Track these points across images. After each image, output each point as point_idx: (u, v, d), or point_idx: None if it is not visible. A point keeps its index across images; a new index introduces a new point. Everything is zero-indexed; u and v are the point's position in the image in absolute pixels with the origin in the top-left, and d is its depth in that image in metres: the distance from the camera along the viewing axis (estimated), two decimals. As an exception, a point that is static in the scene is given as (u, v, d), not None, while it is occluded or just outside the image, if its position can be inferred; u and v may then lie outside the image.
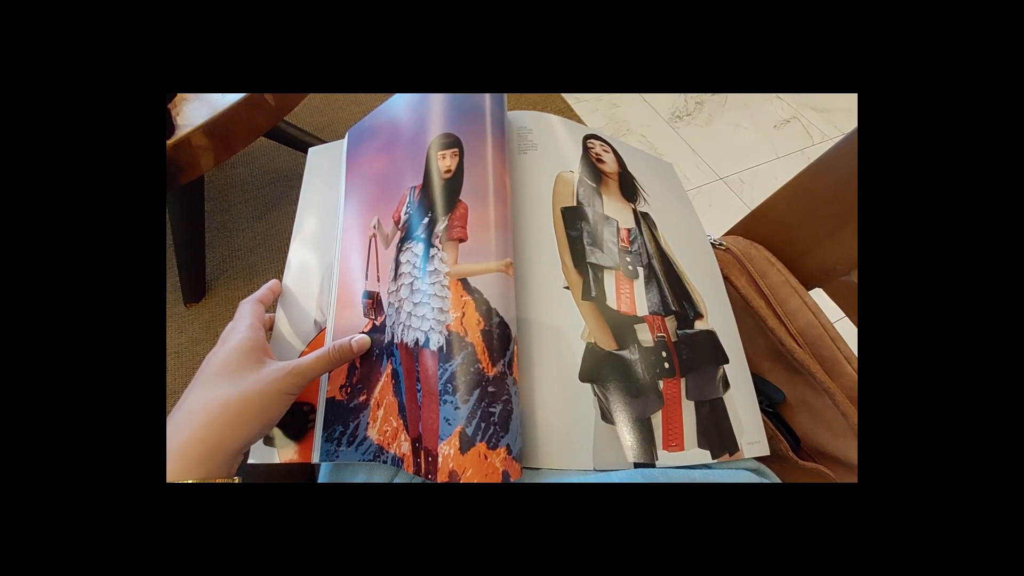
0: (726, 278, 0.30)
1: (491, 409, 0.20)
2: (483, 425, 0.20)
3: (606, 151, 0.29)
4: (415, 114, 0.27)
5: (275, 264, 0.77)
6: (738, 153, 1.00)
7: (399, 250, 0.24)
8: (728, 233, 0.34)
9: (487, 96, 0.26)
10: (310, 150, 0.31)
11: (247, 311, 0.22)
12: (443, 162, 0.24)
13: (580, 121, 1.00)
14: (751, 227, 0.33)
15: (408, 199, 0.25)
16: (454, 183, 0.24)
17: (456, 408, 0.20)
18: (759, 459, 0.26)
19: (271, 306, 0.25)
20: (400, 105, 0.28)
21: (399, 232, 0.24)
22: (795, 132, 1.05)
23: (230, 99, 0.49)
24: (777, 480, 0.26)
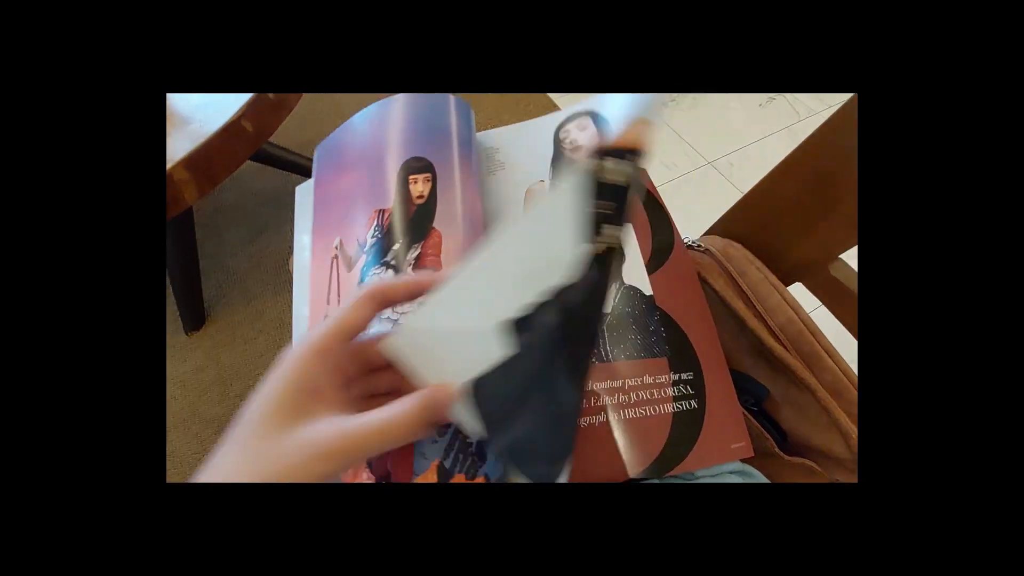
0: (703, 280, 0.30)
1: (468, 440, 0.20)
2: (460, 456, 0.20)
3: (583, 128, 0.28)
4: (379, 133, 0.26)
5: (271, 286, 0.77)
6: (725, 135, 0.99)
7: (363, 275, 0.23)
8: (707, 233, 0.35)
9: (454, 116, 0.26)
10: (297, 189, 0.31)
11: (340, 314, 0.14)
12: (415, 187, 0.24)
13: (563, 115, 0.99)
14: (729, 226, 0.33)
15: (376, 222, 0.24)
16: (427, 209, 0.24)
17: (433, 441, 0.20)
18: (747, 459, 0.26)
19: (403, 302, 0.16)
20: (364, 122, 0.27)
21: (363, 256, 0.24)
22: (781, 109, 1.04)
23: (208, 130, 0.49)
24: (763, 477, 0.26)
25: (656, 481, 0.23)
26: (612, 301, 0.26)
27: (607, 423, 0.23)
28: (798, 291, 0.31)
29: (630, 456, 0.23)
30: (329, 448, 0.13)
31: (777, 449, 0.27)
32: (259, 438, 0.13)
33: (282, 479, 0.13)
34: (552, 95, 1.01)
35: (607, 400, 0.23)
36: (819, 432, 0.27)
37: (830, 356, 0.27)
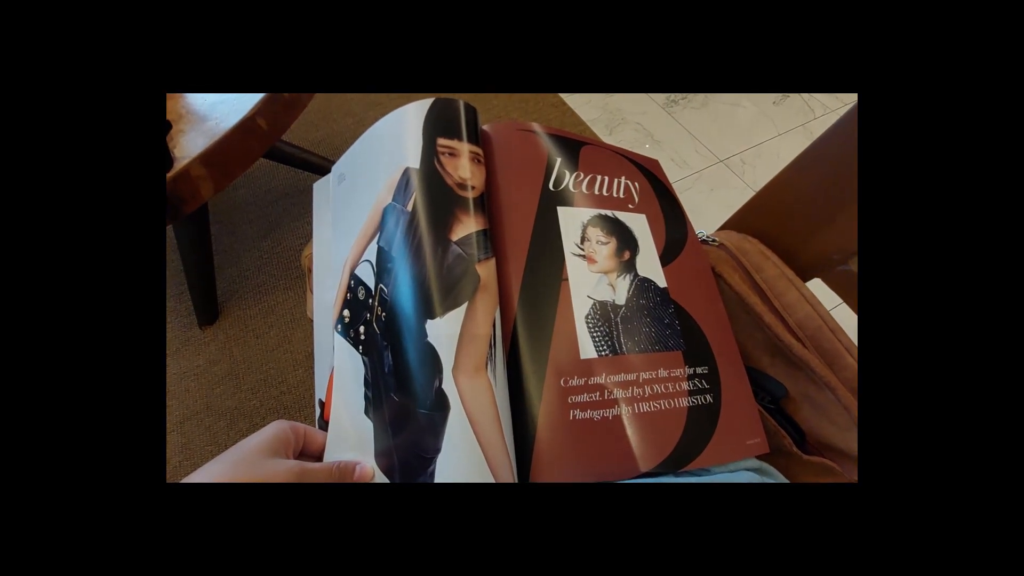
0: (718, 275, 0.29)
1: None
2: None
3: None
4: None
5: (283, 282, 0.78)
6: (738, 133, 0.98)
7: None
8: (721, 228, 0.34)
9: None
10: (314, 185, 0.31)
11: (287, 423, 0.23)
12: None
13: (574, 113, 0.99)
14: (744, 220, 0.33)
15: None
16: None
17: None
18: (763, 456, 0.26)
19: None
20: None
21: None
22: (795, 107, 1.02)
23: (224, 127, 0.50)
24: (781, 476, 0.26)
25: (671, 476, 0.23)
26: (626, 293, 0.26)
27: (620, 417, 0.23)
28: (816, 287, 0.30)
29: (644, 451, 0.23)
30: (296, 472, 0.21)
31: (794, 448, 0.27)
32: (251, 460, 0.20)
33: (267, 481, 0.20)
34: (563, 95, 1.00)
35: (620, 393, 0.23)
36: (839, 431, 0.26)
37: (850, 354, 0.26)
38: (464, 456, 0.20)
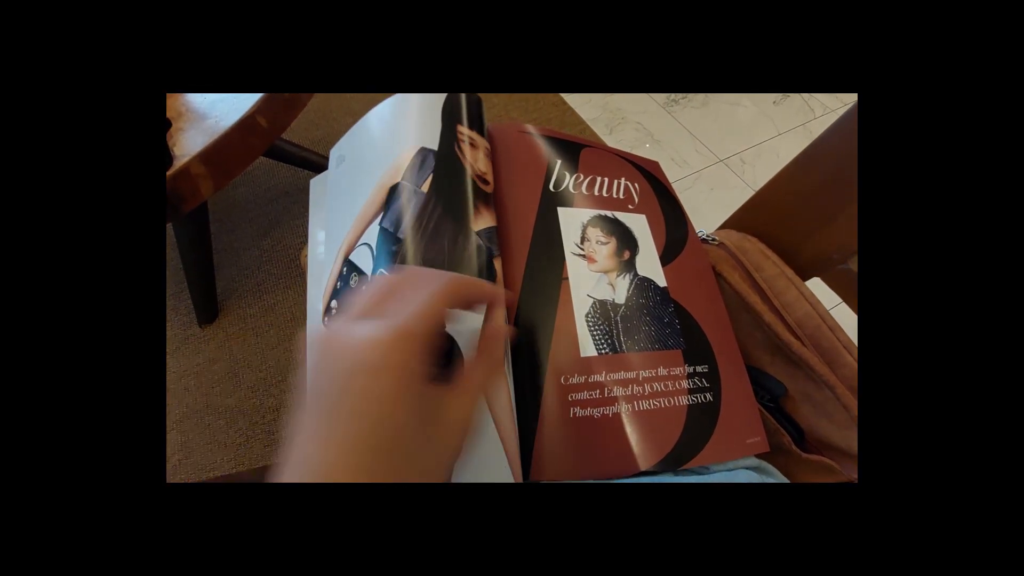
0: (718, 274, 0.29)
1: None
2: None
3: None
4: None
5: (283, 280, 0.78)
6: (738, 133, 0.98)
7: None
8: (721, 227, 0.34)
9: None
10: (311, 182, 0.31)
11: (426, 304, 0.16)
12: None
13: (574, 113, 0.99)
14: (744, 219, 0.33)
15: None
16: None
17: None
18: (762, 455, 0.26)
19: None
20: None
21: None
22: (795, 106, 1.02)
23: (224, 125, 0.50)
24: (780, 474, 0.26)
25: (670, 475, 0.23)
26: (626, 292, 0.26)
27: (619, 415, 0.23)
28: (815, 287, 0.30)
29: (643, 449, 0.23)
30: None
31: (794, 446, 0.27)
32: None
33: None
34: (563, 95, 1.00)
35: (619, 391, 0.23)
36: (838, 429, 0.26)
37: (849, 352, 0.27)
38: (486, 455, 0.19)
